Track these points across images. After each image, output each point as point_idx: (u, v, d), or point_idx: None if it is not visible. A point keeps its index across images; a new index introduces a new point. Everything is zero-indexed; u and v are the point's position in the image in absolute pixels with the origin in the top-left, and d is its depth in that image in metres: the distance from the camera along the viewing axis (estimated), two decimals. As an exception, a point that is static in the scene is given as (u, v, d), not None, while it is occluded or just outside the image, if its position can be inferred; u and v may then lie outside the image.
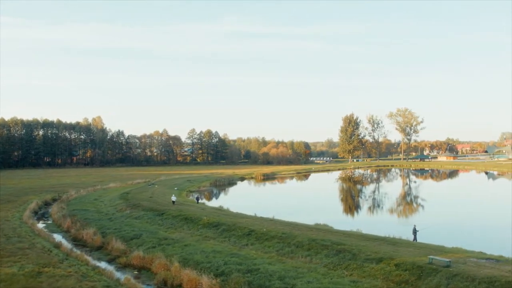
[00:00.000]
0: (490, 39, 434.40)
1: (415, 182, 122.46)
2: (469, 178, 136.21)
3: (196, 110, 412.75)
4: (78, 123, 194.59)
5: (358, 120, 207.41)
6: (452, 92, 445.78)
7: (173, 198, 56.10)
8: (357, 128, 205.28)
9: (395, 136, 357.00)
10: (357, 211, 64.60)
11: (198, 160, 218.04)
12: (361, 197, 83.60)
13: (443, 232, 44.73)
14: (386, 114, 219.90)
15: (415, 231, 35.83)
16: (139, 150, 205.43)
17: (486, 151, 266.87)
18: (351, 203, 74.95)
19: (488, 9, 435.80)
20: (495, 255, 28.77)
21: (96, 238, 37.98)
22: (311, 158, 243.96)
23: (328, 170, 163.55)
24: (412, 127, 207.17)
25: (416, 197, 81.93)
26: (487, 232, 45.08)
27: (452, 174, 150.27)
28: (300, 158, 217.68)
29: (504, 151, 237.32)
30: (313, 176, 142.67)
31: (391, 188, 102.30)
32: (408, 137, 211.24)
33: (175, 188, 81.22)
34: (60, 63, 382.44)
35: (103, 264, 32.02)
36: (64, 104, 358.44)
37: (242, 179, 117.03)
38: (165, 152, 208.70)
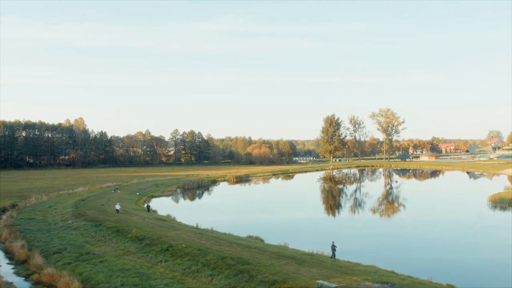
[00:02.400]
0: (481, 37, 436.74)
1: (391, 183, 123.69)
2: (444, 179, 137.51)
3: (184, 110, 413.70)
4: (60, 124, 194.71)
5: (340, 120, 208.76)
6: (440, 90, 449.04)
7: (117, 206, 56.73)
8: (338, 128, 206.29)
9: (382, 135, 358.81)
10: (305, 219, 63.04)
11: (182, 160, 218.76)
12: (320, 203, 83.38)
13: (375, 246, 44.32)
14: (369, 114, 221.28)
15: (333, 248, 35.11)
16: (122, 151, 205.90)
17: (467, 151, 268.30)
18: (306, 210, 72.95)
19: (477, 8, 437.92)
20: (402, 276, 29.13)
21: (22, 251, 38.63)
22: (295, 158, 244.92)
23: (306, 171, 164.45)
24: (394, 127, 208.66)
25: (376, 203, 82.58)
26: (424, 246, 43.63)
27: (428, 175, 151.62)
28: (282, 158, 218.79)
29: (486, 151, 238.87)
30: (286, 178, 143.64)
31: (354, 192, 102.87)
32: (390, 137, 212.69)
33: (137, 194, 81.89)
34: (45, 62, 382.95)
35: (17, 281, 32.55)
36: (46, 104, 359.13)
37: (214, 182, 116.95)
38: (148, 153, 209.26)
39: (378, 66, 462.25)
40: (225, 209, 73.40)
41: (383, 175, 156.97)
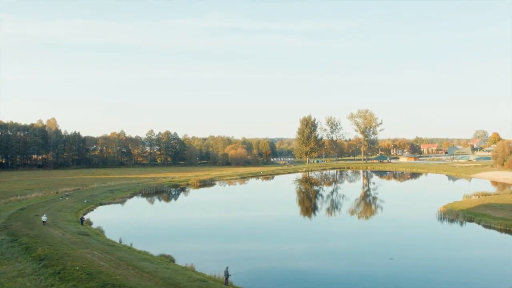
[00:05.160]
0: (474, 36, 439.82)
1: (359, 189, 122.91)
2: (415, 183, 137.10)
3: (171, 109, 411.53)
4: (32, 124, 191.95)
5: (316, 121, 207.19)
6: (432, 88, 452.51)
7: (43, 218, 54.62)
8: (315, 129, 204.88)
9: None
10: (240, 233, 58.34)
11: (158, 161, 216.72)
12: (269, 213, 76.07)
13: (293, 266, 41.78)
14: (347, 115, 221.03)
15: (226, 274, 33.43)
16: (95, 152, 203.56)
17: (446, 152, 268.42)
18: (246, 222, 66.83)
19: (470, 7, 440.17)
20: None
21: None
22: (274, 159, 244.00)
23: (277, 174, 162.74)
24: (372, 128, 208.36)
25: (321, 213, 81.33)
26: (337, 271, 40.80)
27: (400, 178, 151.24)
28: (259, 159, 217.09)
29: (466, 152, 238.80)
30: (254, 181, 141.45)
31: (307, 201, 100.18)
32: (367, 138, 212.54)
33: (85, 201, 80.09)
34: (22, 58, 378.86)
35: None
36: (19, 103, 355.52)
37: (175, 186, 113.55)
38: (123, 154, 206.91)
39: (371, 64, 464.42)
40: (165, 219, 70.57)
41: (362, 176, 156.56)
